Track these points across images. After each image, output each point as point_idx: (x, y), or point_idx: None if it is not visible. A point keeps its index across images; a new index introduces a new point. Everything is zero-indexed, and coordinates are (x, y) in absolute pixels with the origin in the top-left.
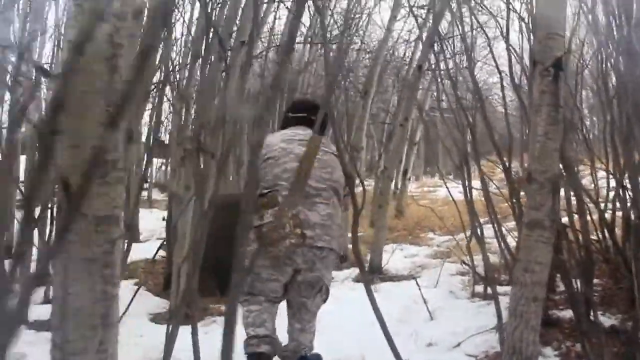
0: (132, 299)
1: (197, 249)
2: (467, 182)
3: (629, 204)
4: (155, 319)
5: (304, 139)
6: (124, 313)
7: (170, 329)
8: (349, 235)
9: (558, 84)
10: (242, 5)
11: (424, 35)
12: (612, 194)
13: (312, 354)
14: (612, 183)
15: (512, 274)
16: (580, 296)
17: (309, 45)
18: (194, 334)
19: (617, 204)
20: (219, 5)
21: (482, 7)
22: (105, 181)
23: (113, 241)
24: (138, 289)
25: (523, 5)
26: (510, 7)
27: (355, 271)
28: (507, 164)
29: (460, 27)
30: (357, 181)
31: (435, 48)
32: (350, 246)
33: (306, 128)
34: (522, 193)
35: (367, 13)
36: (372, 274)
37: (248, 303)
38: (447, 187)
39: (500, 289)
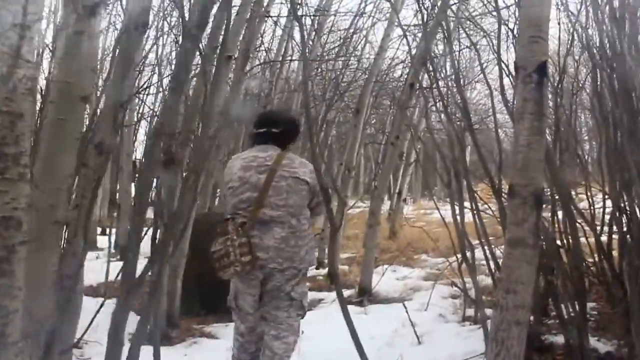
0: (94, 316)
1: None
2: (456, 203)
3: (624, 226)
4: None
5: (263, 163)
6: (85, 331)
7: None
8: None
9: (542, 91)
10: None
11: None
12: (608, 216)
13: None
14: (609, 205)
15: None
16: (572, 321)
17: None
18: (156, 355)
19: (614, 226)
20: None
21: (475, 25)
22: (5, 177)
23: (12, 247)
24: (101, 306)
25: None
26: (502, 21)
27: (346, 293)
28: (496, 183)
29: (448, 45)
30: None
31: (428, 66)
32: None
33: (267, 147)
34: None
35: (364, 34)
36: (362, 296)
37: (237, 318)
38: (438, 209)
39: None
